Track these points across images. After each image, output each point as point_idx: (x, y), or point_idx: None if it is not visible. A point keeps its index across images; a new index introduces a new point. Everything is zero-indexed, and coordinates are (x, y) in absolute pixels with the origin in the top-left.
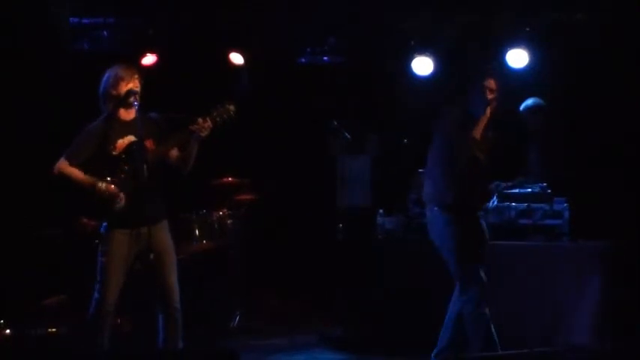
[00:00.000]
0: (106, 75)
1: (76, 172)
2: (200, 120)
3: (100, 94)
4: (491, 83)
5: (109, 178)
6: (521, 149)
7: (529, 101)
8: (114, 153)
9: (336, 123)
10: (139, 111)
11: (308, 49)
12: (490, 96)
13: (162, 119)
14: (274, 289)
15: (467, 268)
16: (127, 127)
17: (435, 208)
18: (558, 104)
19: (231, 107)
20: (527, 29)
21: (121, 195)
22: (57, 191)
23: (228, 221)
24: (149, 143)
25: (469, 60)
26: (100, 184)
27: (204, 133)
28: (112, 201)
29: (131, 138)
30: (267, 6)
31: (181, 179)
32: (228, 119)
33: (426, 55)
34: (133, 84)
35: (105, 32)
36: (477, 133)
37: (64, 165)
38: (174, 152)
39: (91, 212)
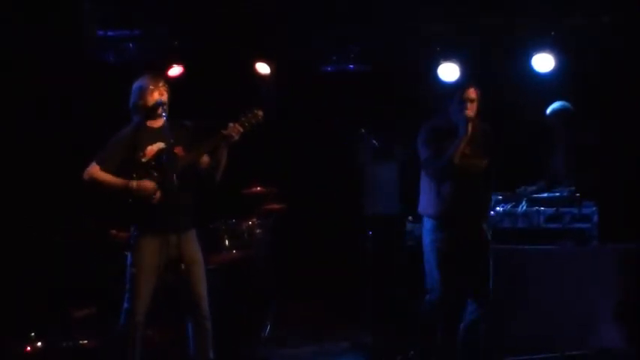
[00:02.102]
0: (135, 86)
1: (108, 177)
2: (231, 125)
3: (130, 105)
4: (470, 93)
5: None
6: (545, 153)
7: (555, 105)
8: (143, 160)
9: (363, 131)
10: (167, 120)
11: (333, 58)
12: (469, 111)
13: (194, 127)
14: (304, 298)
15: (439, 276)
16: (156, 134)
17: (425, 218)
18: (584, 108)
19: (260, 113)
20: (553, 33)
21: (155, 188)
22: (86, 202)
23: (258, 230)
24: (179, 150)
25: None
26: (132, 182)
27: (234, 138)
28: (148, 196)
29: (160, 145)
30: (293, 15)
31: (211, 190)
32: (256, 124)
33: (452, 61)
34: (159, 93)
35: (131, 44)
36: (456, 156)
37: (95, 170)
38: (205, 159)
39: (121, 223)
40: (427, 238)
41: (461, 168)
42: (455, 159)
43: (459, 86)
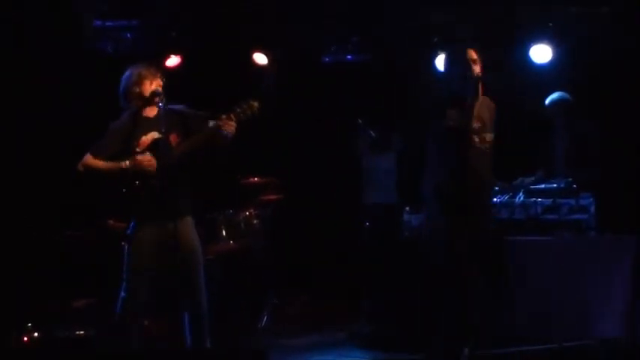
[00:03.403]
0: (128, 73)
1: (101, 163)
2: (224, 117)
3: (121, 91)
4: (471, 53)
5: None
6: (543, 143)
7: (554, 95)
8: (138, 150)
9: (360, 121)
10: (162, 109)
11: (332, 48)
12: (476, 70)
13: (187, 113)
14: (302, 288)
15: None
16: (150, 124)
17: (434, 203)
18: (583, 99)
19: (255, 104)
20: (551, 24)
21: (151, 158)
22: (85, 193)
23: (255, 221)
24: (173, 137)
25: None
26: (124, 162)
27: (229, 131)
28: (144, 170)
29: (155, 135)
30: (291, 5)
31: (208, 177)
32: (251, 115)
33: None
34: (156, 83)
35: (128, 34)
36: (472, 120)
37: (89, 159)
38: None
39: (118, 213)
40: (432, 219)
41: (475, 147)
42: (469, 124)
43: (455, 49)
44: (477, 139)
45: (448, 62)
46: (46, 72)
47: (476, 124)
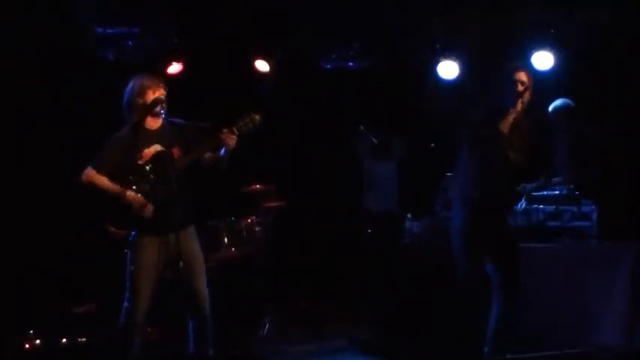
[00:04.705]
0: (130, 84)
1: (104, 181)
2: (226, 130)
3: (124, 103)
4: (522, 75)
5: (134, 187)
6: (546, 150)
7: (557, 102)
8: (140, 162)
9: (362, 128)
10: (164, 119)
11: (333, 55)
12: (521, 88)
13: (188, 126)
14: (303, 294)
15: (468, 266)
16: (152, 136)
17: (458, 204)
18: (584, 106)
19: (257, 117)
20: (552, 31)
21: (149, 205)
22: (86, 199)
23: (257, 228)
24: (175, 151)
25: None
26: (128, 193)
27: (230, 144)
28: (141, 210)
29: (157, 147)
30: (292, 12)
31: (210, 185)
32: (253, 128)
33: (452, 59)
34: (159, 92)
35: (130, 42)
36: (505, 126)
37: (91, 173)
38: (209, 155)
39: (120, 221)
40: (455, 220)
41: (505, 156)
42: (503, 128)
43: (509, 68)
44: (511, 154)
45: (501, 80)
46: (48, 79)
47: (516, 143)
